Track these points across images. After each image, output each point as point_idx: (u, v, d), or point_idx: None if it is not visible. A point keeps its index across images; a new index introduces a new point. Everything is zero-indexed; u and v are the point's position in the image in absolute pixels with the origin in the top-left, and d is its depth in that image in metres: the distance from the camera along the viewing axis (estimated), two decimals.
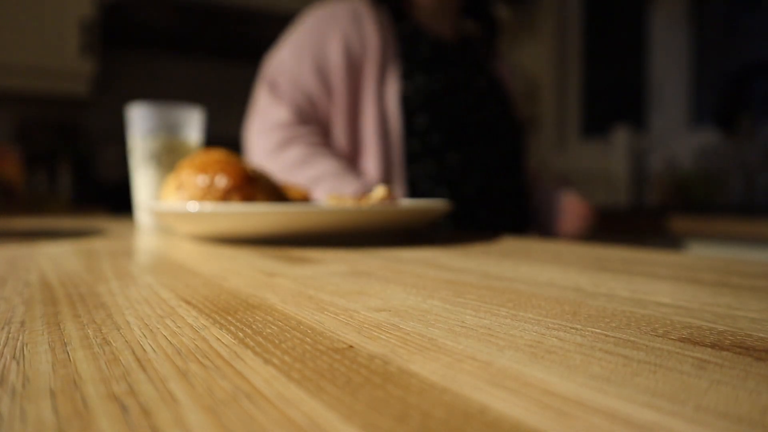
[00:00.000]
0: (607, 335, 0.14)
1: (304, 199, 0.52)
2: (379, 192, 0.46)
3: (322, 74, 0.79)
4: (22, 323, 0.16)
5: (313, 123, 0.80)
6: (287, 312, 0.17)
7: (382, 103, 0.80)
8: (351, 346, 0.13)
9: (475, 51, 0.93)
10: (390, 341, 0.14)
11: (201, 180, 0.42)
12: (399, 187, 0.79)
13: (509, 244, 0.41)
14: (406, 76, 0.81)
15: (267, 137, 0.78)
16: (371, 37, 0.81)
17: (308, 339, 0.14)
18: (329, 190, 0.73)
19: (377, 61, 0.80)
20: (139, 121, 0.57)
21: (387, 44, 0.82)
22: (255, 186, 0.43)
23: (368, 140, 0.80)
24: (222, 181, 0.42)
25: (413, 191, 0.80)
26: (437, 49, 0.85)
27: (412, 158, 0.80)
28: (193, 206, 0.37)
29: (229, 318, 0.16)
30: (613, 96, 2.09)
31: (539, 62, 2.19)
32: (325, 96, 0.80)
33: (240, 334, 0.15)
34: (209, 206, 0.36)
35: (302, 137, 0.77)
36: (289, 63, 0.80)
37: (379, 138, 0.79)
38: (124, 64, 2.19)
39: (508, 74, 0.99)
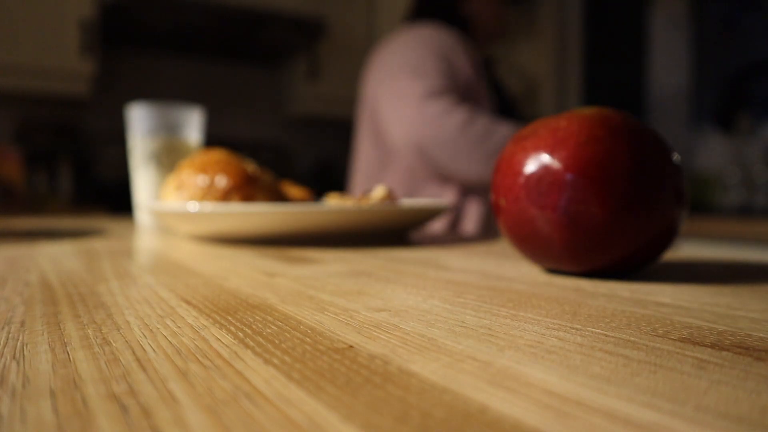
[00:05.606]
0: (607, 335, 0.14)
1: (304, 199, 0.52)
2: (379, 192, 0.46)
3: (457, 85, 0.89)
4: (22, 323, 0.16)
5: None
6: (287, 312, 0.17)
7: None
8: (351, 346, 0.13)
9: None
10: (390, 341, 0.14)
11: (201, 180, 0.42)
12: None
13: (509, 244, 0.41)
14: (498, 92, 1.00)
15: (428, 105, 0.85)
16: (467, 59, 0.93)
17: (308, 339, 0.14)
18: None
19: (481, 82, 0.95)
20: (139, 121, 0.57)
21: (476, 66, 0.96)
22: (255, 186, 0.43)
23: None
24: (222, 181, 0.42)
25: None
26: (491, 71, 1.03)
27: None
28: (193, 206, 0.37)
29: (229, 318, 0.16)
30: (613, 96, 2.08)
31: (539, 62, 2.19)
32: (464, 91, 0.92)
33: (240, 334, 0.15)
34: (209, 206, 0.36)
35: (464, 104, 0.87)
36: (422, 58, 0.89)
37: None
38: (124, 64, 2.19)
39: None
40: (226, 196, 0.42)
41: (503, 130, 0.84)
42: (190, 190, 0.42)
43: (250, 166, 0.45)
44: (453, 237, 0.49)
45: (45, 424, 0.09)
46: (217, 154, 0.45)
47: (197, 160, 0.44)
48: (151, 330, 0.15)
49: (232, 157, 0.45)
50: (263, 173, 0.45)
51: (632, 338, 0.14)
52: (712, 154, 1.75)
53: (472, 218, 0.90)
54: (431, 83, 0.85)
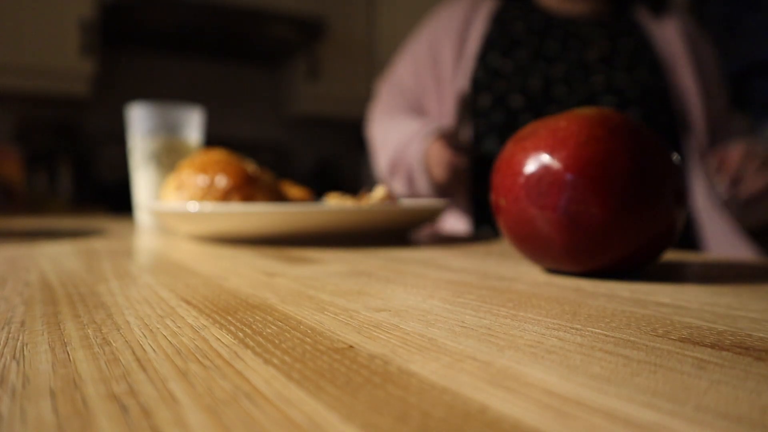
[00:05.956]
0: (607, 335, 0.14)
1: (304, 199, 0.52)
2: (379, 192, 0.46)
3: (416, 69, 0.88)
4: (22, 323, 0.16)
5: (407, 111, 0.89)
6: (287, 312, 0.17)
7: (457, 87, 0.83)
8: (351, 346, 0.13)
9: (621, 19, 0.84)
10: (390, 341, 0.14)
11: (201, 180, 0.42)
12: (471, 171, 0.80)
13: (509, 244, 0.41)
14: (481, 57, 0.82)
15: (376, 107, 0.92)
16: (454, 25, 0.85)
17: (308, 339, 0.14)
18: (409, 132, 0.79)
19: (454, 47, 0.84)
20: (139, 121, 0.57)
21: (468, 28, 0.84)
22: (255, 186, 0.43)
23: (448, 123, 0.83)
24: (222, 181, 0.42)
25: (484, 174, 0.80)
26: (543, 24, 0.81)
27: (479, 138, 0.80)
28: (193, 206, 0.37)
29: (229, 318, 0.16)
30: None
31: None
32: (418, 88, 0.88)
33: (240, 334, 0.15)
34: (209, 206, 0.36)
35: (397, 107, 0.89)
36: (398, 63, 0.93)
37: (455, 121, 0.81)
38: (124, 64, 2.19)
39: (680, 35, 0.83)
40: (226, 196, 0.42)
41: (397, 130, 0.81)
42: (190, 190, 0.42)
43: (250, 166, 0.45)
44: (453, 237, 0.49)
45: (45, 424, 0.09)
46: (217, 154, 0.45)
47: (197, 160, 0.44)
48: (151, 330, 0.15)
49: (232, 157, 0.45)
50: (263, 173, 0.45)
51: (632, 338, 0.14)
52: None
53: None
54: (378, 104, 0.91)
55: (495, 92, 0.80)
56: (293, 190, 0.53)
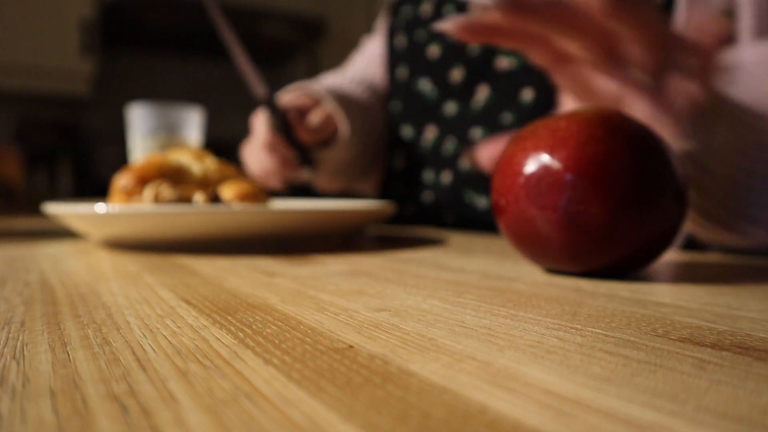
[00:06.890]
0: (607, 335, 0.14)
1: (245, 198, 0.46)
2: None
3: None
4: (22, 323, 0.16)
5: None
6: (287, 312, 0.17)
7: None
8: (351, 346, 0.13)
9: None
10: (390, 341, 0.14)
11: (119, 182, 0.40)
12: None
13: (509, 244, 0.41)
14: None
15: None
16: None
17: (308, 339, 0.14)
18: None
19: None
20: (139, 121, 0.57)
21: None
22: (141, 189, 0.40)
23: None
24: (121, 182, 0.40)
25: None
26: None
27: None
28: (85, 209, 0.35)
29: (229, 318, 0.16)
30: None
31: None
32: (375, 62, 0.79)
33: (240, 334, 0.15)
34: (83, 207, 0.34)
35: None
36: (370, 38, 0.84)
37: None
38: (124, 64, 2.19)
39: None
40: (121, 197, 0.40)
41: None
42: (114, 195, 0.41)
43: (167, 168, 0.40)
44: (453, 237, 0.48)
45: (45, 424, 0.09)
46: (159, 156, 0.42)
47: (138, 164, 0.42)
48: (151, 330, 0.15)
49: (171, 155, 0.42)
50: (226, 169, 0.43)
51: (632, 338, 0.14)
52: None
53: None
54: None
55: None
56: (188, 189, 0.47)
